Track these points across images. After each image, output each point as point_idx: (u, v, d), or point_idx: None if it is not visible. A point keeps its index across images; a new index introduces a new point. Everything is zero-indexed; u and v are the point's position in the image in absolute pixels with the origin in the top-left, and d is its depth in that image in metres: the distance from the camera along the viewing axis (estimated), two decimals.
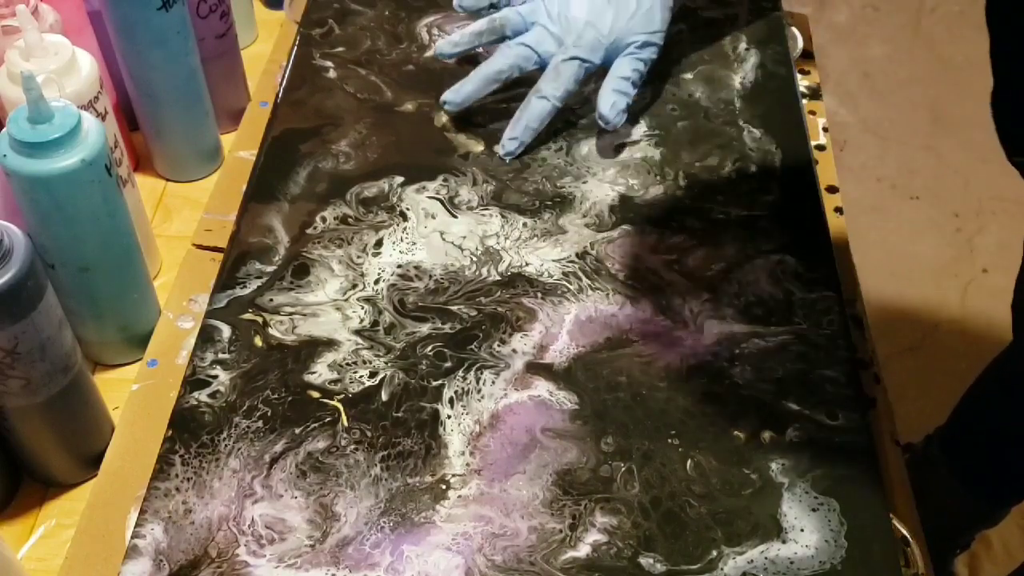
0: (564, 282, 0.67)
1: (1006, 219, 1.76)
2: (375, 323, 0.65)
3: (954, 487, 0.75)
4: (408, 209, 0.72)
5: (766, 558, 0.54)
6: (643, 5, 0.75)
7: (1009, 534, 1.33)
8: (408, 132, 0.78)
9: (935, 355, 1.55)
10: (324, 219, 0.71)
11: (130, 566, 0.54)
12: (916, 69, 2.14)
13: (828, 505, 0.56)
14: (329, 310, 0.65)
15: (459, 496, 0.56)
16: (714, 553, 0.54)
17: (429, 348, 0.63)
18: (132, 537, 0.55)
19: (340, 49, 0.85)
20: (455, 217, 0.71)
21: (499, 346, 0.63)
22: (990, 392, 1.08)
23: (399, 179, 0.74)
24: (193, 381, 0.62)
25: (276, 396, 0.61)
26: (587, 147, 0.77)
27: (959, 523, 1.20)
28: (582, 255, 0.69)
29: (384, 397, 0.61)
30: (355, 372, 0.62)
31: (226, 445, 0.59)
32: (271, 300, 0.66)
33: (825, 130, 0.84)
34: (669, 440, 0.59)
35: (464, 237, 0.70)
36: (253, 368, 0.62)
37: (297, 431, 0.59)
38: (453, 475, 0.57)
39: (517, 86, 0.81)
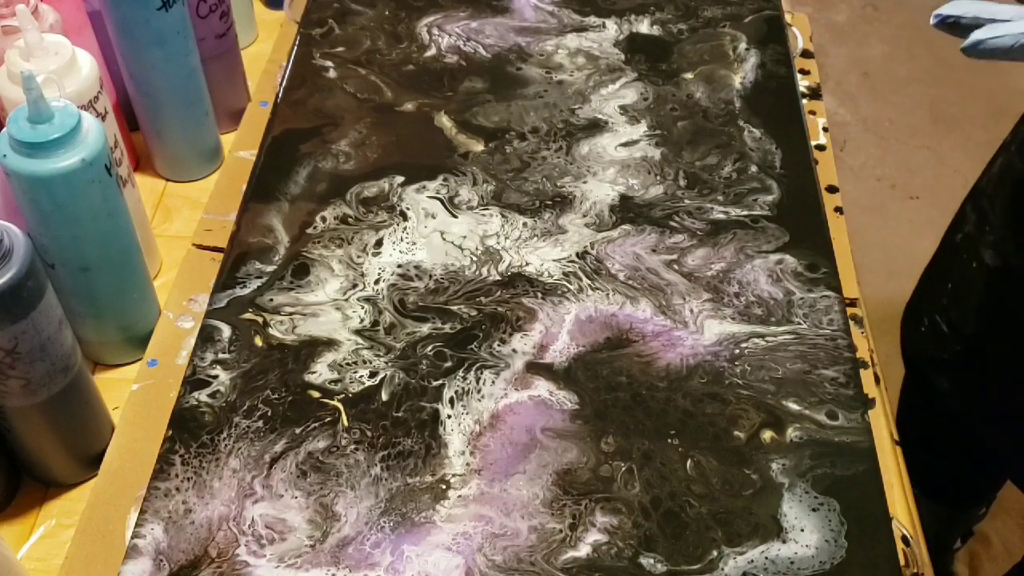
0: (564, 282, 0.67)
1: None
2: (375, 323, 0.65)
3: (918, 496, 0.78)
4: (408, 209, 0.72)
5: (766, 558, 0.54)
6: None
7: (1009, 532, 1.33)
8: (408, 132, 0.78)
9: None
10: (324, 219, 0.71)
11: (130, 566, 0.54)
12: (916, 69, 2.14)
13: (828, 505, 0.56)
14: (329, 310, 0.65)
15: (459, 496, 0.56)
16: (714, 553, 0.54)
17: (429, 348, 0.63)
18: (132, 537, 0.55)
19: (340, 49, 0.85)
20: (455, 217, 0.71)
21: (499, 346, 0.63)
22: (913, 420, 1.10)
23: (399, 179, 0.74)
24: (193, 381, 0.62)
25: (276, 396, 0.61)
26: (587, 147, 0.77)
27: (941, 528, 1.22)
28: (582, 255, 0.69)
29: (384, 397, 0.61)
30: (355, 372, 0.62)
31: (226, 445, 0.59)
32: (271, 300, 0.66)
33: (825, 130, 0.85)
34: (669, 440, 0.59)
35: (464, 237, 0.70)
36: (253, 368, 0.62)
37: (297, 431, 0.59)
38: (453, 475, 0.57)
39: (518, 86, 0.81)
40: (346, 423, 0.60)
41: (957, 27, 0.64)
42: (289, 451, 0.58)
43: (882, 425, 0.65)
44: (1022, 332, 0.85)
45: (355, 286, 0.67)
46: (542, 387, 0.61)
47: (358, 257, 0.69)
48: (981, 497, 1.23)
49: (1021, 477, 0.96)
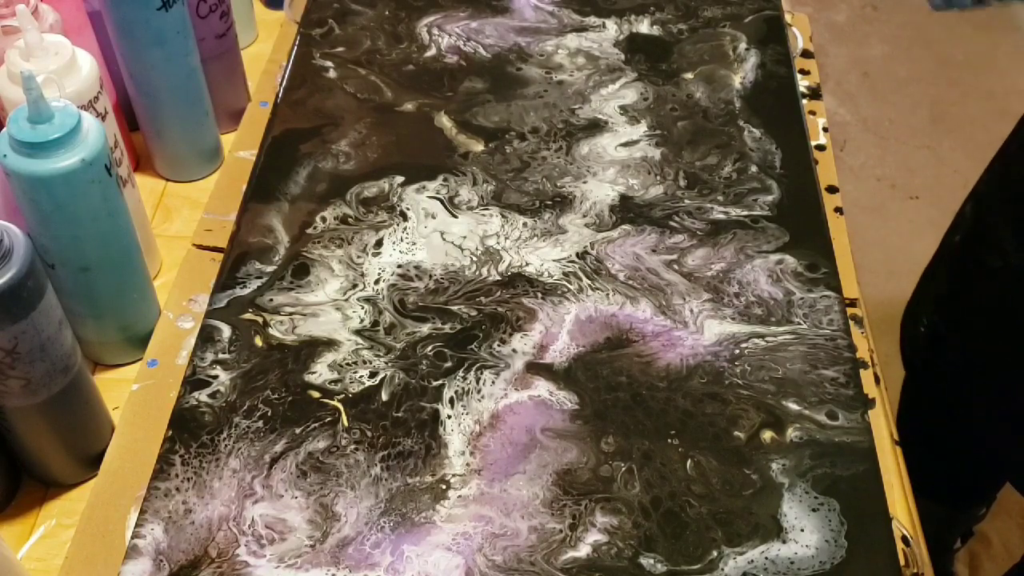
0: (564, 282, 0.67)
1: None
2: (375, 323, 0.65)
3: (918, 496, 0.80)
4: (408, 209, 0.72)
5: (766, 558, 0.54)
6: None
7: (1009, 532, 1.33)
8: (408, 132, 0.78)
9: None
10: (324, 219, 0.71)
11: (130, 566, 0.54)
12: (916, 69, 2.14)
13: (828, 505, 0.56)
14: (329, 310, 0.65)
15: (459, 496, 0.56)
16: (714, 553, 0.54)
17: (429, 348, 0.63)
18: (132, 537, 0.55)
19: (340, 49, 0.85)
20: (455, 217, 0.71)
21: (499, 346, 0.63)
22: (913, 420, 1.10)
23: (399, 179, 0.74)
24: (193, 381, 0.62)
25: (276, 396, 0.61)
26: (587, 147, 0.77)
27: (941, 528, 1.22)
28: (582, 255, 0.69)
29: (384, 397, 0.61)
30: (355, 372, 0.62)
31: (226, 445, 0.59)
32: (271, 300, 0.66)
33: (825, 130, 0.85)
34: (669, 440, 0.59)
35: (464, 237, 0.70)
36: (253, 368, 0.62)
37: (297, 431, 0.59)
38: (453, 475, 0.57)
39: (518, 86, 0.81)
40: (346, 423, 0.60)
41: None
42: (289, 451, 0.58)
43: (882, 425, 0.65)
44: (1021, 333, 0.85)
45: (355, 286, 0.67)
46: (542, 387, 0.61)
47: (358, 257, 0.69)
48: (981, 497, 1.23)
49: (1020, 479, 0.96)
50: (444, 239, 0.70)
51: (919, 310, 1.00)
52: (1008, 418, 0.90)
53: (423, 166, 0.75)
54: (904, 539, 0.59)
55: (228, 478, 0.57)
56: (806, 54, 0.91)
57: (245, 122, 0.83)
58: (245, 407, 0.60)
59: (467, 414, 0.60)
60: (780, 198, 0.73)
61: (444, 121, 0.79)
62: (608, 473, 0.57)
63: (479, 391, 0.61)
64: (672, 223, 0.71)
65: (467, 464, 0.58)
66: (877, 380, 0.67)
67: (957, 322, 0.92)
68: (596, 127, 0.78)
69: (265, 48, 0.91)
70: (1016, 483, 0.97)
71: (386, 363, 0.63)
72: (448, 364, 0.62)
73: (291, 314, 0.65)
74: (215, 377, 0.62)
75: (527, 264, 0.68)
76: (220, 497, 0.56)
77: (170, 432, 0.59)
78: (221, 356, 0.63)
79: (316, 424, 0.60)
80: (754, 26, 0.87)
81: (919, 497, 0.65)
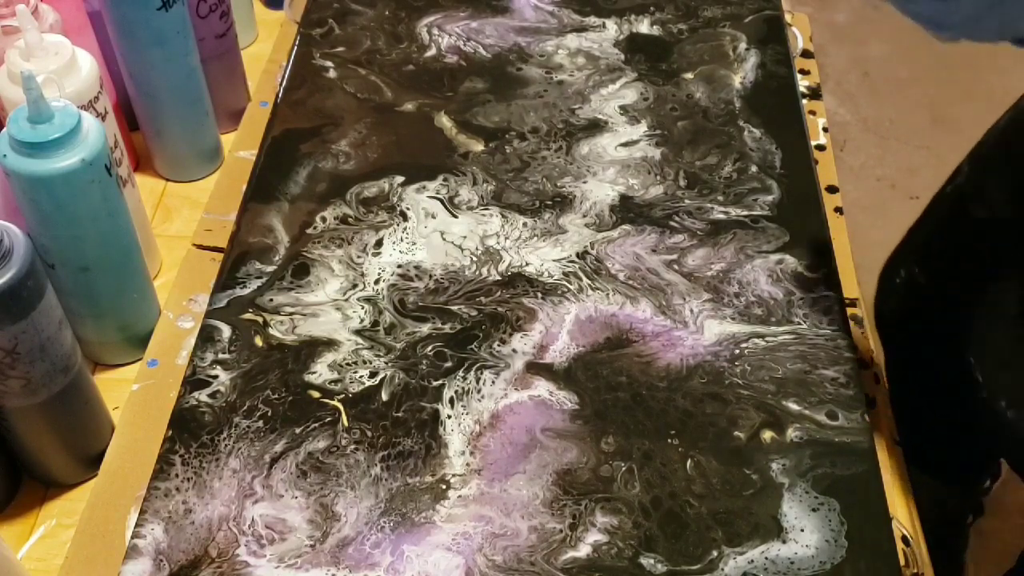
0: (564, 282, 0.67)
1: None
2: (375, 323, 0.65)
3: (914, 471, 0.79)
4: (408, 209, 0.72)
5: (766, 558, 0.54)
6: None
7: (1009, 532, 1.33)
8: (408, 132, 0.78)
9: None
10: (324, 219, 0.71)
11: (130, 566, 0.54)
12: (916, 69, 2.14)
13: (828, 505, 0.56)
14: (329, 310, 0.65)
15: (459, 496, 0.56)
16: (715, 553, 0.54)
17: (429, 348, 0.63)
18: (132, 537, 0.55)
19: (340, 49, 0.85)
20: (455, 217, 0.71)
21: (499, 346, 0.63)
22: (902, 395, 1.09)
23: (399, 179, 0.74)
24: (193, 381, 0.62)
25: (276, 396, 0.61)
26: (587, 147, 0.77)
27: (937, 511, 1.21)
28: (582, 255, 0.69)
29: (384, 397, 0.61)
30: (355, 372, 0.62)
31: (226, 445, 0.59)
32: (271, 300, 0.66)
33: (825, 130, 0.85)
34: (669, 440, 0.59)
35: (464, 237, 0.70)
36: (253, 368, 0.62)
37: (297, 431, 0.59)
38: (453, 475, 0.57)
39: (518, 86, 0.81)
40: (346, 423, 0.60)
41: None
42: (289, 451, 0.58)
43: (882, 425, 0.65)
44: (993, 285, 0.83)
45: (355, 286, 0.67)
46: (542, 387, 0.61)
47: (358, 257, 0.69)
48: (981, 468, 1.22)
49: (1010, 452, 0.94)
50: (444, 239, 0.70)
51: (899, 260, 0.99)
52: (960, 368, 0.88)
53: (423, 166, 0.75)
54: (904, 539, 0.59)
55: (228, 478, 0.57)
56: (806, 54, 0.91)
57: (245, 122, 0.83)
58: (245, 407, 0.60)
59: (467, 414, 0.60)
60: (780, 198, 0.73)
61: (444, 121, 0.79)
62: (608, 473, 0.57)
63: (479, 391, 0.61)
64: (672, 223, 0.71)
65: (467, 464, 0.58)
66: (877, 380, 0.67)
67: (934, 271, 0.91)
68: (596, 127, 0.78)
69: (265, 48, 0.91)
70: (1009, 458, 0.95)
71: (386, 363, 0.63)
72: (448, 364, 0.63)
73: (291, 314, 0.65)
74: (215, 377, 0.62)
75: (527, 264, 0.68)
76: (220, 497, 0.56)
77: (170, 432, 0.59)
78: (221, 356, 0.63)
79: (316, 424, 0.60)
80: (754, 26, 0.87)
81: (922, 480, 0.64)
